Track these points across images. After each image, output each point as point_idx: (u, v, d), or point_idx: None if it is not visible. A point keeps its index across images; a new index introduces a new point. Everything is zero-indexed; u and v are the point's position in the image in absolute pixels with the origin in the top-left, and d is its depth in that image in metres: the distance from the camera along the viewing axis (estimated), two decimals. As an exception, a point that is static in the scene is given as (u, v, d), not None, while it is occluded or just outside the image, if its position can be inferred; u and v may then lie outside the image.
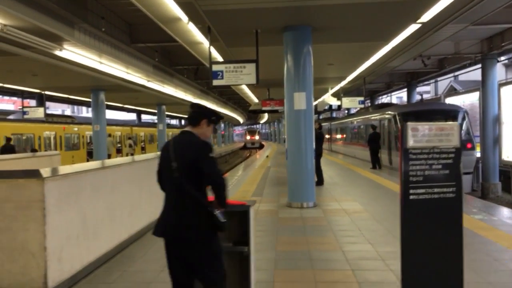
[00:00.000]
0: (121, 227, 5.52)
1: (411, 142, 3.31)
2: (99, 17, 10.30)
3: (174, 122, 59.66)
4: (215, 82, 8.72)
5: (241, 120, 61.10)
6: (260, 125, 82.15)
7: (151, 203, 6.62)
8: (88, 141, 24.00)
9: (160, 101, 24.56)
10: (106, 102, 20.54)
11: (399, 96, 44.09)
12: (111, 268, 4.76)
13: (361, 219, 7.13)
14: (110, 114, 42.11)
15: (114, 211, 5.30)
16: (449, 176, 3.37)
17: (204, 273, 2.95)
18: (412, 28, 8.73)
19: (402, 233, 3.36)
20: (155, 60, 14.53)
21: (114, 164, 5.47)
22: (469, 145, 15.10)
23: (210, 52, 8.88)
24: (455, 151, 3.37)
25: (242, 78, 8.66)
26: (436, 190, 3.35)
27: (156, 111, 27.88)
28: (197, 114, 3.05)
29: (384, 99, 37.95)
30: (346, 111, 37.37)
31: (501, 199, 15.34)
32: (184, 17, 8.24)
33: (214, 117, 3.13)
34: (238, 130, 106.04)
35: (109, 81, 15.74)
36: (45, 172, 3.83)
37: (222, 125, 57.71)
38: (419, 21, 8.16)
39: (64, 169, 4.28)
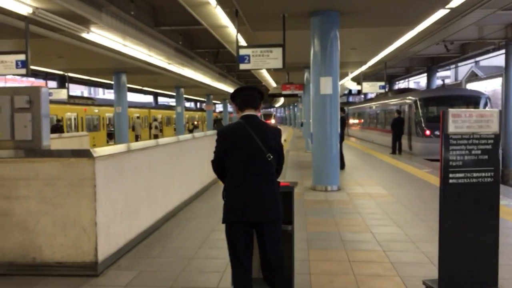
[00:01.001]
0: (157, 205, 5.74)
1: (451, 128, 3.41)
2: (128, 0, 10.41)
3: (188, 104, 60.01)
4: (242, 66, 8.83)
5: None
6: (275, 108, 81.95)
7: (181, 184, 6.87)
8: (107, 122, 24.38)
9: (178, 84, 24.74)
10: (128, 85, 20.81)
11: (416, 81, 43.58)
12: (152, 244, 4.99)
13: (386, 203, 7.25)
14: (128, 96, 42.55)
15: (151, 191, 5.50)
16: (487, 162, 3.48)
17: (277, 252, 3.10)
18: (440, 13, 8.69)
19: (441, 215, 3.48)
20: (179, 43, 14.64)
21: (151, 145, 5.66)
22: (490, 132, 15.00)
23: (237, 36, 8.96)
24: (494, 137, 3.47)
25: (268, 63, 8.75)
26: (475, 174, 3.46)
27: (174, 93, 28.06)
28: (258, 98, 3.20)
29: (401, 84, 37.61)
30: (363, 96, 37.18)
31: (521, 186, 15.29)
32: (212, 1, 8.31)
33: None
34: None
35: (131, 63, 15.93)
36: (95, 152, 4.03)
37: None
38: (448, 6, 8.13)
39: (110, 149, 4.47)
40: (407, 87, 29.80)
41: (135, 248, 4.82)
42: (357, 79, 19.75)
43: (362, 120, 26.78)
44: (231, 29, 10.61)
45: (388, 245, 4.94)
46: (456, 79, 31.93)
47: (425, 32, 10.98)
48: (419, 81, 42.77)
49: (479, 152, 3.46)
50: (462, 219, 3.47)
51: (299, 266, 4.22)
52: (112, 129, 22.65)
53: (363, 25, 9.84)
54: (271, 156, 3.03)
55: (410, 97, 16.79)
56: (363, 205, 7.18)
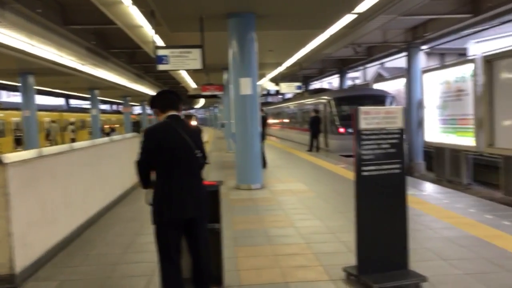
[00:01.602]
0: (77, 212, 5.50)
1: (363, 124, 3.70)
2: (34, -3, 9.79)
3: (105, 107, 57.45)
4: (161, 67, 8.72)
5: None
6: (195, 110, 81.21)
7: (102, 188, 6.64)
8: (15, 127, 22.59)
9: (93, 85, 23.65)
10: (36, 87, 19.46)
11: (329, 82, 45.81)
12: (73, 252, 4.78)
13: (307, 198, 7.59)
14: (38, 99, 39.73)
15: (70, 196, 5.26)
16: (395, 154, 3.82)
17: (205, 249, 3.23)
18: (348, 18, 9.26)
19: (357, 205, 3.76)
20: (92, 43, 14.01)
21: (67, 150, 5.40)
22: (396, 128, 16.24)
23: (154, 37, 8.82)
24: (400, 132, 3.82)
25: (188, 64, 8.73)
26: (384, 166, 3.78)
27: (88, 95, 26.77)
28: (178, 101, 3.30)
29: (317, 84, 39.26)
30: (281, 97, 38.26)
31: (424, 177, 16.74)
32: (126, 0, 8.10)
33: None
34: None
35: (39, 64, 14.93)
36: (7, 158, 3.78)
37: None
38: (354, 11, 8.69)
39: (23, 154, 4.21)
40: (321, 87, 31.25)
41: (55, 257, 4.58)
42: (275, 80, 20.30)
43: (282, 120, 27.57)
44: (148, 29, 10.40)
45: (310, 237, 5.20)
46: (365, 79, 34.06)
47: (335, 36, 11.61)
48: (332, 81, 45.00)
49: (388, 146, 3.79)
50: (375, 208, 3.78)
51: (228, 263, 4.29)
52: (20, 134, 21.00)
53: (278, 28, 10.18)
54: (200, 153, 3.14)
55: (324, 97, 17.63)
56: (286, 201, 7.45)
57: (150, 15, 8.76)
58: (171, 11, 8.50)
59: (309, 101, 19.85)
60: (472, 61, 13.46)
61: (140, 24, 10.23)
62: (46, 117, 25.69)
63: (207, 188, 3.34)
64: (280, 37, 11.84)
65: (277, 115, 28.92)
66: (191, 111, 74.25)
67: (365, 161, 3.72)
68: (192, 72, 19.65)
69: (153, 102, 3.35)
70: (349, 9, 8.77)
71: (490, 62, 12.28)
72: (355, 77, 38.07)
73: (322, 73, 29.15)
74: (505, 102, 11.84)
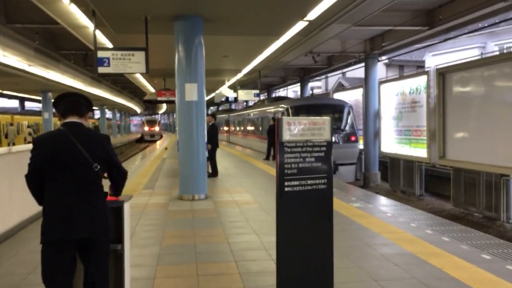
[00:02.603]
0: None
1: (286, 136, 3.41)
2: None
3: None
4: (101, 70, 8.24)
5: (138, 110, 58.81)
6: (159, 115, 79.99)
7: (24, 199, 6.07)
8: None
9: (45, 88, 22.64)
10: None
11: (295, 90, 46.06)
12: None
13: (250, 210, 7.27)
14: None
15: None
16: (321, 169, 3.54)
17: (101, 271, 2.87)
18: (300, 25, 9.07)
19: (278, 224, 3.45)
20: (35, 42, 13.31)
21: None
22: (353, 138, 16.27)
23: (95, 37, 8.35)
24: (327, 145, 3.55)
25: (130, 67, 8.29)
26: (309, 182, 3.50)
27: (41, 98, 25.67)
28: (84, 106, 2.95)
29: (281, 92, 39.29)
30: (245, 103, 38.08)
31: (380, 187, 16.81)
32: (64, -2, 7.63)
33: (92, 110, 3.08)
34: (136, 120, 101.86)
35: (-19, 64, 14.06)
36: None
37: (118, 114, 55.05)
38: (306, 18, 8.51)
39: None
40: (285, 95, 31.23)
41: None
42: (235, 87, 20.04)
43: (242, 127, 27.30)
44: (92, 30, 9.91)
45: (241, 254, 4.87)
46: (326, 89, 34.33)
47: (290, 43, 11.44)
48: (298, 90, 45.24)
49: (313, 159, 3.51)
50: (298, 226, 3.48)
51: (143, 286, 3.92)
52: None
53: (228, 32, 9.90)
54: (98, 166, 2.78)
55: (282, 105, 17.48)
56: (227, 213, 7.11)
57: (91, 15, 8.29)
58: (113, 10, 8.06)
59: (268, 109, 19.67)
60: (425, 73, 13.63)
61: (84, 24, 9.73)
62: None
63: (108, 205, 2.96)
64: (235, 42, 11.56)
65: (238, 122, 28.65)
66: (155, 116, 73.00)
67: (288, 175, 3.43)
68: (149, 77, 19.13)
69: (56, 103, 2.97)
70: (301, 16, 8.58)
71: (443, 74, 12.44)
72: (317, 86, 38.37)
73: (284, 81, 29.15)
74: (456, 115, 11.98)
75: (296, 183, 3.45)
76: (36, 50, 14.42)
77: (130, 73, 8.74)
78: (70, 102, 2.91)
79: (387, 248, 5.03)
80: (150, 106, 50.72)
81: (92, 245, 2.79)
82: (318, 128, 3.52)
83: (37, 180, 2.77)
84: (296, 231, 3.47)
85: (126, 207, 3.28)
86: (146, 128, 50.54)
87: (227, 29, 9.50)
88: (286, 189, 3.42)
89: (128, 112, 63.14)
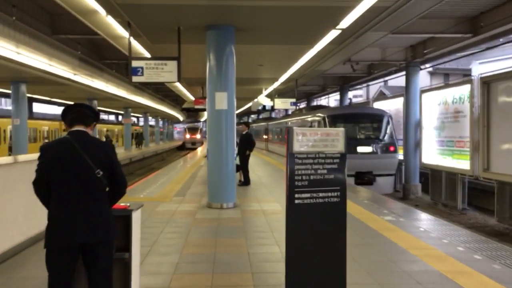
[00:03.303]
0: (15, 229, 5.16)
1: (296, 147, 3.33)
2: (12, 5, 9.65)
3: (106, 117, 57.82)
4: (135, 79, 8.46)
5: (181, 118, 59.97)
6: (201, 122, 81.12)
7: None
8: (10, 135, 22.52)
9: (91, 96, 23.56)
10: (31, 95, 19.40)
11: (337, 99, 45.57)
12: (-4, 275, 4.44)
13: (276, 220, 7.18)
14: (39, 108, 39.98)
15: (5, 213, 4.93)
16: (334, 181, 3.43)
17: (104, 280, 2.90)
18: (333, 33, 8.94)
19: (287, 237, 3.37)
20: (78, 52, 13.87)
21: (8, 162, 5.10)
22: (391, 148, 15.80)
23: (130, 47, 8.58)
24: (340, 156, 3.44)
25: (163, 76, 8.45)
26: (321, 194, 3.40)
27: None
28: (90, 116, 3.04)
29: (323, 101, 38.93)
30: (285, 112, 37.98)
31: (420, 199, 16.21)
32: (101, 10, 7.90)
33: (98, 120, 3.20)
34: (179, 127, 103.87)
35: (30, 72, 14.81)
36: None
37: (161, 122, 56.39)
38: (338, 27, 8.37)
39: None
40: (326, 104, 30.94)
41: (-27, 280, 4.24)
42: (271, 96, 20.04)
43: (280, 136, 27.20)
44: (132, 40, 10.20)
45: (259, 266, 4.80)
46: (367, 97, 33.67)
47: (325, 51, 11.31)
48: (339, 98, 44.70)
49: (325, 171, 3.41)
50: (308, 240, 3.38)
51: (155, 294, 3.93)
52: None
53: (261, 42, 9.90)
54: (101, 173, 2.84)
55: (319, 114, 17.27)
56: (252, 223, 7.05)
57: (127, 26, 8.54)
58: (146, 22, 8.27)
59: (305, 117, 19.50)
60: (469, 82, 13.06)
61: (122, 34, 10.04)
62: (44, 125, 25.75)
63: (112, 212, 2.98)
64: (269, 52, 11.56)
65: (276, 131, 28.59)
66: (198, 123, 74.06)
67: (299, 187, 3.34)
68: (188, 85, 19.48)
69: (64, 114, 3.09)
70: (333, 25, 8.46)
71: (488, 83, 11.87)
72: (359, 95, 37.74)
73: (324, 90, 28.85)
74: (502, 126, 11.37)
75: (307, 195, 3.36)
76: (80, 59, 15.06)
77: (162, 82, 8.89)
78: (77, 113, 3.02)
79: (412, 265, 4.79)
80: (193, 114, 51.50)
81: (94, 251, 2.83)
82: (332, 139, 3.41)
83: (43, 186, 2.86)
84: (306, 245, 3.38)
85: (135, 215, 3.31)
86: (188, 136, 50.28)
87: (259, 38, 9.52)
88: (296, 201, 3.34)
89: (171, 120, 64.49)
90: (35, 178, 2.88)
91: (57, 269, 2.78)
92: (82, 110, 3.05)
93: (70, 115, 3.02)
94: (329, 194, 3.41)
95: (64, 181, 2.81)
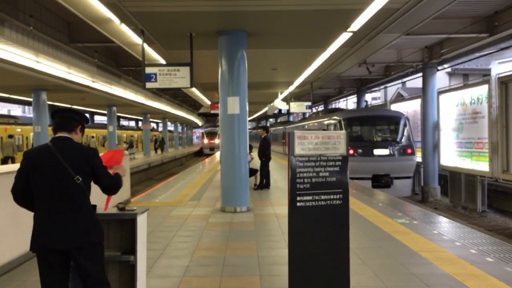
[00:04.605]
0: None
1: (297, 150, 3.36)
2: (29, 16, 9.94)
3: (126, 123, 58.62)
4: (148, 85, 8.60)
5: (199, 123, 60.39)
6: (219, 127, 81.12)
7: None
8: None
9: (110, 102, 24.02)
10: (51, 103, 19.85)
11: (354, 101, 45.27)
12: (12, 277, 4.57)
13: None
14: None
15: (19, 217, 5.07)
16: (336, 183, 3.45)
17: (97, 280, 2.91)
18: (345, 36, 8.93)
19: (290, 240, 3.40)
20: (95, 60, 14.17)
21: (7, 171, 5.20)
22: (409, 150, 15.62)
23: (143, 53, 8.73)
24: (342, 159, 3.46)
25: (176, 82, 8.56)
26: (323, 197, 3.42)
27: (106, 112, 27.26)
28: (74, 120, 3.04)
29: (341, 103, 38.62)
30: (302, 115, 37.89)
31: (439, 202, 15.95)
32: (114, 18, 8.08)
33: (85, 124, 3.18)
34: (198, 132, 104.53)
35: (50, 81, 15.22)
36: None
37: (180, 127, 56.93)
38: (349, 29, 8.36)
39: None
40: (345, 106, 30.72)
41: (-11, 282, 4.39)
42: (286, 99, 20.06)
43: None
44: (146, 47, 10.38)
45: (267, 269, 4.83)
46: (385, 99, 33.35)
47: (338, 54, 11.29)
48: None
49: (327, 174, 3.43)
50: (311, 243, 3.41)
51: (163, 296, 4.00)
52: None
53: (273, 46, 9.95)
54: (80, 179, 2.86)
55: (335, 117, 17.21)
56: (265, 226, 7.08)
57: (140, 33, 8.70)
58: (158, 29, 8.42)
59: (322, 120, 19.45)
60: (487, 82, 12.83)
61: (137, 42, 10.23)
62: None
63: (94, 217, 2.96)
64: (282, 56, 11.61)
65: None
66: (216, 128, 74.21)
67: (300, 190, 3.37)
68: (203, 90, 19.66)
69: (52, 121, 3.14)
70: (344, 28, 8.46)
71: (506, 83, 11.65)
72: (377, 97, 37.40)
73: (340, 93, 28.72)
74: (521, 126, 11.16)
75: (309, 198, 3.39)
76: (98, 67, 15.37)
77: (175, 88, 9.02)
78: (61, 118, 3.03)
79: (421, 267, 4.75)
80: (210, 118, 51.75)
81: (77, 257, 2.85)
82: (333, 142, 3.44)
83: (20, 192, 2.90)
84: (309, 248, 3.40)
85: (140, 219, 3.38)
86: (206, 141, 47.61)
87: (271, 42, 9.57)
88: (298, 204, 3.37)
89: (190, 125, 65.00)
90: (13, 183, 2.92)
91: (43, 273, 2.85)
92: (65, 116, 3.04)
93: (54, 121, 3.04)
94: (331, 196, 3.43)
95: (42, 188, 2.85)
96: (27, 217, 5.22)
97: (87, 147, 3.14)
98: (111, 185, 3.05)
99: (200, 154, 46.27)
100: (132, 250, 3.33)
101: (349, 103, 40.44)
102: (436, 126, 16.04)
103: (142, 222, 3.42)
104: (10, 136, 19.21)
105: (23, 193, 2.89)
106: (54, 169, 2.83)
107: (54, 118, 3.05)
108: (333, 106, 34.03)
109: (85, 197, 2.92)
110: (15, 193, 2.91)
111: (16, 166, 5.11)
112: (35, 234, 2.83)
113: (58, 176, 2.83)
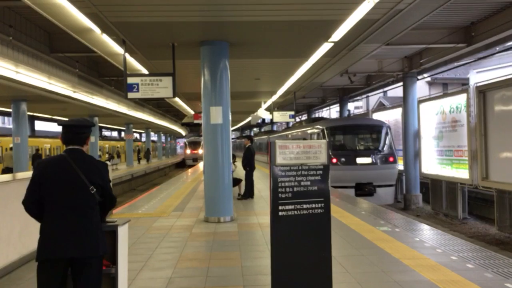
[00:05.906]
0: (9, 247, 5.20)
1: (279, 160, 3.38)
2: (8, 26, 9.82)
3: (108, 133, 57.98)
4: (130, 95, 8.55)
5: (183, 133, 60.19)
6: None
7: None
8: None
9: (91, 113, 23.77)
10: (31, 113, 19.54)
11: (338, 110, 45.67)
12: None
13: (272, 233, 7.17)
14: (41, 126, 40.22)
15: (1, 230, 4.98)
16: (317, 192, 3.47)
17: None
18: (326, 46, 9.04)
19: (272, 249, 3.40)
20: (76, 70, 14.05)
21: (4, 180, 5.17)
22: (391, 159, 15.80)
23: (125, 64, 8.68)
24: (323, 168, 3.49)
25: (158, 92, 8.54)
26: (305, 206, 3.44)
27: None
28: (84, 134, 3.10)
29: (324, 113, 38.98)
30: (286, 125, 38.08)
31: (421, 209, 16.15)
32: (96, 28, 8.05)
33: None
34: (182, 142, 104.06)
35: (30, 91, 15.00)
36: None
37: (163, 137, 56.58)
38: (330, 40, 8.47)
39: None
40: (328, 115, 31.00)
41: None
42: (270, 109, 20.15)
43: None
44: (128, 57, 10.34)
45: (251, 279, 4.81)
46: (367, 109, 33.77)
47: (320, 64, 11.41)
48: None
49: (309, 183, 3.46)
50: (294, 252, 3.41)
51: (145, 309, 3.95)
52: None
53: (255, 56, 10.01)
54: (94, 189, 2.94)
55: (318, 126, 17.33)
56: (248, 236, 7.06)
57: (122, 43, 8.66)
58: (140, 40, 8.40)
59: (305, 129, 19.57)
60: (465, 91, 13.11)
61: (118, 52, 10.20)
62: (46, 143, 25.96)
63: (100, 228, 3.03)
64: (265, 65, 11.67)
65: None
66: (200, 138, 73.98)
67: (282, 199, 3.39)
68: (187, 100, 19.63)
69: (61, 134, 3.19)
70: (325, 38, 8.57)
71: (484, 92, 11.92)
72: (359, 106, 37.85)
73: (323, 102, 28.98)
74: (499, 134, 11.39)
75: (291, 207, 3.40)
76: (79, 77, 15.23)
77: (158, 98, 9.00)
78: (69, 134, 3.08)
79: (403, 275, 4.79)
80: (194, 128, 51.57)
81: (82, 266, 2.88)
82: (314, 151, 3.47)
83: (32, 201, 2.92)
84: (292, 257, 3.40)
85: (121, 230, 3.34)
86: (188, 151, 44.75)
87: (253, 52, 9.62)
88: (280, 213, 3.38)
89: (173, 135, 64.68)
90: (26, 192, 2.94)
91: (45, 282, 2.84)
92: (73, 132, 3.08)
93: (63, 135, 3.11)
94: (313, 205, 3.45)
95: (56, 196, 2.89)
96: (7, 229, 5.13)
97: (98, 160, 3.23)
98: (112, 200, 3.12)
99: (183, 165, 43.99)
100: (113, 262, 3.29)
101: (332, 112, 40.85)
102: (417, 135, 16.29)
103: (123, 233, 3.38)
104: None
105: (36, 204, 2.91)
106: (70, 179, 2.90)
107: (62, 130, 3.10)
108: (316, 115, 34.32)
109: (96, 208, 2.98)
110: (28, 201, 2.91)
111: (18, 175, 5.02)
112: (44, 243, 2.83)
113: (74, 186, 2.89)
